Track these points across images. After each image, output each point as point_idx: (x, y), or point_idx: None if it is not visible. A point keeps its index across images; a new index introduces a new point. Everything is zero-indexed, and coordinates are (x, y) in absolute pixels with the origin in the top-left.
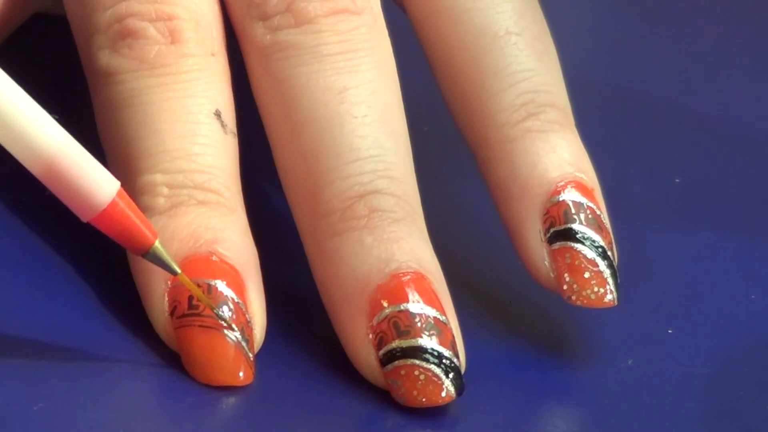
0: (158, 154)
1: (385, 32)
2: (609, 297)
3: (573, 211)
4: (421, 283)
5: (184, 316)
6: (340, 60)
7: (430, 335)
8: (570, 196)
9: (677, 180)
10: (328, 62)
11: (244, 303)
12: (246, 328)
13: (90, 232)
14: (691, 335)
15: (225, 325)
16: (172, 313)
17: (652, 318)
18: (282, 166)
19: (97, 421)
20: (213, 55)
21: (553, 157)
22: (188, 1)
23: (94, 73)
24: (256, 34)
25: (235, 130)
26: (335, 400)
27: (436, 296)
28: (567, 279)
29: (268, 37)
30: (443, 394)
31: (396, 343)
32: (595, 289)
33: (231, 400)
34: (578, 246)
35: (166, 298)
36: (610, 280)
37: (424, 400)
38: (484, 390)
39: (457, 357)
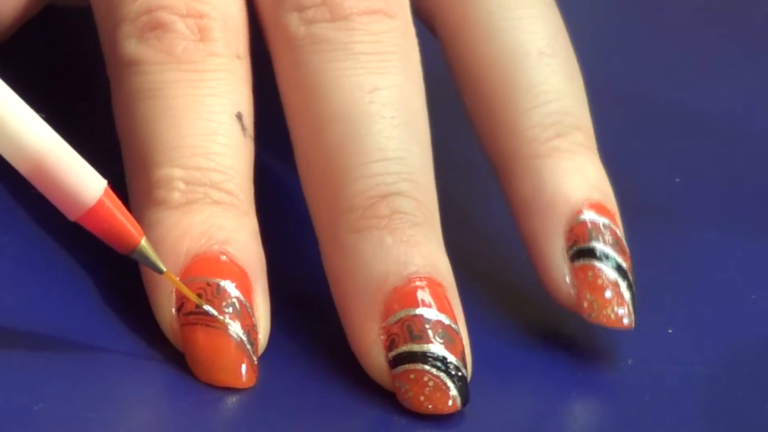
0: (178, 149)
1: (415, 39)
2: (627, 320)
3: (596, 231)
4: (436, 289)
5: (191, 313)
6: (372, 60)
7: (442, 343)
8: (594, 216)
9: (677, 180)
10: (360, 61)
11: (250, 305)
12: (252, 331)
13: (87, 231)
14: (691, 335)
15: (219, 321)
16: (178, 310)
17: (652, 318)
18: (304, 158)
19: (97, 421)
20: (238, 57)
21: (579, 178)
22: (219, 2)
23: (118, 62)
24: (289, 25)
25: (253, 134)
26: (336, 401)
27: (450, 304)
28: (588, 297)
29: (302, 28)
30: (450, 402)
31: (407, 347)
32: (615, 309)
33: (232, 401)
34: (601, 265)
35: (174, 295)
36: (629, 303)
37: (430, 406)
38: (484, 391)
39: (466, 367)
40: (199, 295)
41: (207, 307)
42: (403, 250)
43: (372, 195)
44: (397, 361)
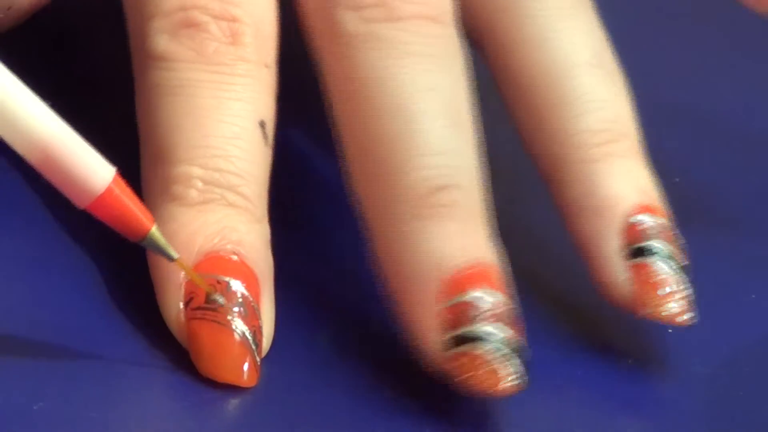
0: (199, 148)
1: (461, 47)
2: (686, 316)
3: (652, 230)
4: (495, 277)
5: (199, 308)
6: (426, 61)
7: (502, 326)
8: (648, 217)
9: (677, 180)
10: (416, 60)
11: (258, 307)
12: (258, 332)
13: (88, 231)
14: (691, 335)
15: (226, 318)
16: (186, 304)
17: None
18: (356, 147)
19: (97, 421)
20: (266, 66)
21: (631, 181)
22: (253, 8)
23: (146, 55)
24: (346, 22)
25: (272, 143)
26: (337, 401)
27: (508, 293)
28: (647, 294)
29: (359, 26)
30: (505, 385)
31: (468, 328)
32: (675, 305)
33: (232, 401)
34: (658, 262)
35: (183, 289)
36: (688, 299)
37: (485, 388)
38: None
39: (525, 351)
40: (209, 292)
41: (217, 296)
42: (463, 239)
43: (431, 185)
44: (455, 342)
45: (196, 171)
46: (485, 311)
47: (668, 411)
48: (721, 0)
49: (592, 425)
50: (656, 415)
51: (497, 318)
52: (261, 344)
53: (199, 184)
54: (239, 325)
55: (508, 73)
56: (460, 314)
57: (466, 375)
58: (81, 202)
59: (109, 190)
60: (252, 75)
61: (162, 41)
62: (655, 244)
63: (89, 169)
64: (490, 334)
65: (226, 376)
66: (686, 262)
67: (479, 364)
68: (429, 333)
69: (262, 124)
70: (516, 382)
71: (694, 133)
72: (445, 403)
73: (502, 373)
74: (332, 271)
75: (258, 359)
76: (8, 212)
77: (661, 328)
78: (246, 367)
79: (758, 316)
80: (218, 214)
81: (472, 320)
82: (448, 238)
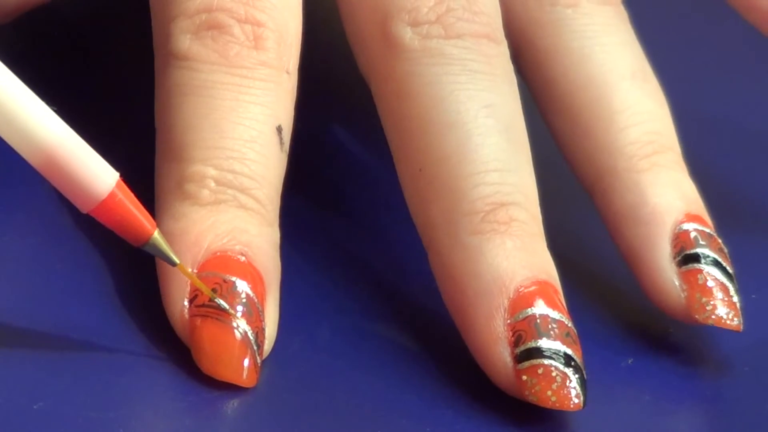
0: (215, 149)
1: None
2: (737, 321)
3: (702, 238)
4: (555, 294)
5: (203, 306)
6: (485, 78)
7: (567, 342)
8: (697, 225)
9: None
10: (475, 77)
11: (262, 309)
12: (260, 333)
13: (88, 231)
14: (691, 335)
15: (229, 314)
16: (191, 301)
17: (652, 318)
18: (414, 163)
19: (97, 420)
20: (287, 72)
21: (678, 191)
22: (278, 15)
23: (168, 54)
24: (403, 37)
25: (288, 150)
26: (337, 402)
27: (568, 313)
28: (700, 299)
29: (416, 42)
30: (575, 400)
31: (535, 343)
32: (726, 310)
33: (232, 401)
34: (710, 269)
35: (189, 286)
36: (738, 306)
37: (555, 400)
38: (482, 389)
39: (584, 370)
40: (214, 290)
41: (219, 301)
42: (524, 255)
43: (491, 201)
44: (524, 356)
45: (210, 171)
46: (550, 327)
47: (668, 411)
48: (721, 0)
49: (592, 425)
50: (656, 415)
51: (559, 336)
52: (263, 346)
53: (212, 184)
54: (242, 325)
55: (550, 84)
56: (526, 329)
57: (535, 389)
58: (84, 207)
59: (112, 194)
60: (272, 80)
61: (185, 41)
62: (705, 251)
63: (93, 173)
64: (556, 351)
65: (226, 374)
66: (733, 269)
67: (546, 379)
68: (495, 347)
69: (279, 130)
70: (577, 400)
71: (695, 133)
72: (445, 404)
73: (568, 389)
74: (334, 273)
75: (259, 360)
76: (8, 212)
77: (660, 328)
78: (246, 366)
79: (758, 316)
80: (229, 214)
81: (537, 335)
82: (510, 254)
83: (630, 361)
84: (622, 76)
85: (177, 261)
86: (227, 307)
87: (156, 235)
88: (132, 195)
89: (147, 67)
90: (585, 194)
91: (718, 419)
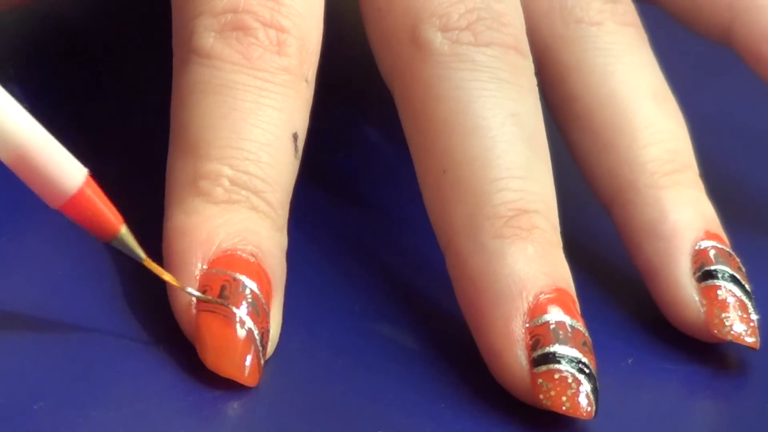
0: (231, 149)
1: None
2: (753, 339)
3: (722, 255)
4: (574, 304)
5: (210, 301)
6: (512, 88)
7: (584, 350)
8: (717, 244)
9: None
10: (502, 85)
11: (269, 310)
12: (265, 334)
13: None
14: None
15: (228, 309)
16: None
17: (652, 318)
18: (438, 164)
19: (97, 420)
20: (306, 81)
21: (698, 209)
22: (302, 23)
23: (191, 50)
24: (433, 41)
25: (300, 158)
26: (336, 401)
27: (584, 323)
28: (719, 314)
29: (446, 46)
30: (588, 409)
31: (553, 348)
32: (745, 326)
33: (232, 401)
34: (729, 285)
35: (197, 282)
36: (755, 324)
37: (568, 406)
38: (484, 388)
39: (597, 381)
40: (223, 287)
41: (189, 289)
42: (544, 262)
43: (515, 207)
44: (540, 360)
45: (225, 170)
46: (568, 334)
47: (668, 411)
48: None
49: (592, 425)
50: (657, 415)
51: (576, 344)
52: (266, 346)
53: (227, 183)
54: (249, 323)
55: (572, 99)
56: (544, 334)
57: (550, 394)
58: (54, 203)
59: (81, 191)
60: (292, 87)
61: (209, 39)
62: (724, 268)
63: (62, 170)
64: (573, 358)
65: (229, 371)
66: (751, 288)
67: (562, 384)
68: (512, 349)
69: (294, 137)
70: (590, 408)
71: (695, 133)
72: (447, 403)
73: (581, 397)
74: (334, 273)
75: (262, 360)
76: (8, 212)
77: (660, 328)
78: (249, 364)
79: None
80: (241, 215)
81: (555, 341)
82: (531, 260)
83: (630, 361)
84: (644, 94)
85: (144, 257)
86: (199, 294)
87: (123, 230)
88: (101, 191)
89: (147, 66)
90: (586, 205)
91: (718, 419)
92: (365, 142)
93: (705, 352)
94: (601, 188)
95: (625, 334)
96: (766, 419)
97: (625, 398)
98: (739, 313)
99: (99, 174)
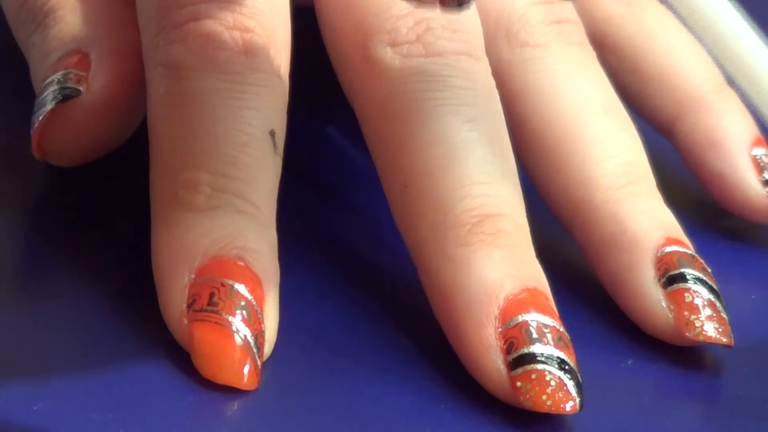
0: (209, 155)
1: (495, 85)
2: (726, 338)
3: (685, 259)
4: (546, 300)
5: (202, 310)
6: (466, 94)
7: (560, 346)
8: (679, 248)
9: (676, 181)
10: (456, 93)
11: (261, 312)
12: (260, 336)
13: (88, 230)
14: None
15: (228, 321)
16: (189, 306)
17: None
18: (400, 180)
19: (97, 421)
20: (278, 77)
21: (656, 217)
22: (266, 21)
23: (159, 64)
24: (383, 58)
25: (282, 153)
26: (337, 401)
27: (559, 318)
28: (689, 317)
29: (397, 61)
30: (571, 404)
31: (527, 349)
32: (716, 326)
33: (232, 401)
34: (696, 287)
35: (187, 291)
36: (726, 321)
37: (550, 404)
38: (483, 389)
39: (580, 373)
40: (212, 294)
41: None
42: (511, 264)
43: (478, 213)
44: (516, 363)
45: (204, 177)
46: (542, 333)
47: (668, 411)
48: None
49: (592, 426)
50: (656, 415)
51: (551, 341)
52: (263, 348)
53: (207, 190)
54: (241, 328)
55: (523, 122)
56: (517, 336)
57: (529, 395)
58: None
59: None
60: (263, 85)
61: (175, 50)
62: (689, 270)
63: None
64: (549, 355)
65: (226, 378)
66: (718, 287)
67: (541, 384)
68: (487, 356)
69: (272, 134)
70: (573, 403)
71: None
72: (446, 404)
73: (563, 392)
74: (335, 275)
75: (259, 363)
76: (8, 211)
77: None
78: (246, 370)
79: (758, 316)
80: (225, 219)
81: (529, 341)
82: (498, 264)
83: (630, 362)
84: (593, 111)
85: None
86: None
87: None
88: None
89: None
90: None
91: (718, 419)
92: (361, 141)
93: (705, 352)
94: (558, 208)
95: (625, 335)
96: (766, 419)
97: (625, 398)
98: (709, 313)
99: (104, 175)
